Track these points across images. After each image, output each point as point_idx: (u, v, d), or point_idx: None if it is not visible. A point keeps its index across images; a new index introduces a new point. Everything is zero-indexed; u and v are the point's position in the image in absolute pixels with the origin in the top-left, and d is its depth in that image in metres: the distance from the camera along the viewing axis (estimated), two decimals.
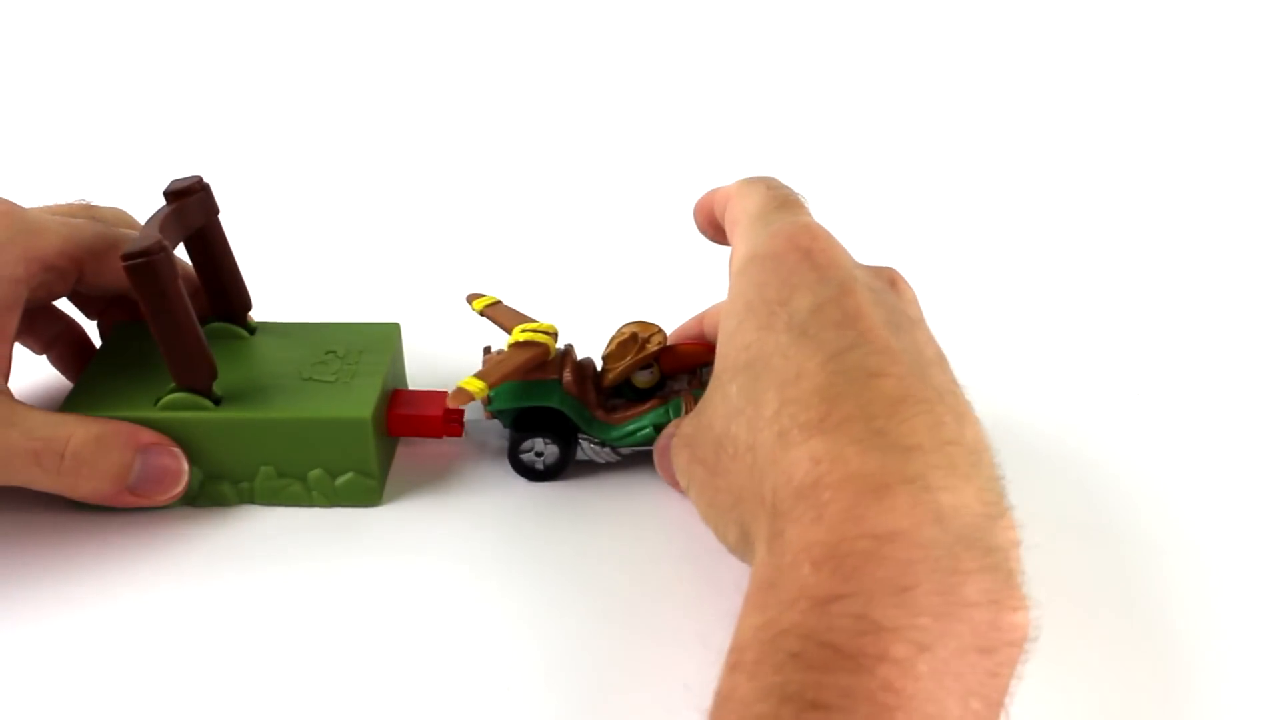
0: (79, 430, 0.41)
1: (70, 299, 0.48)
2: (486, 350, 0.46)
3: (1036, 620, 0.29)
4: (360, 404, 0.43)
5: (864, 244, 0.40)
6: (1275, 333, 0.57)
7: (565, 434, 0.45)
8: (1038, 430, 0.49)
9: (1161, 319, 0.58)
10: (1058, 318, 0.59)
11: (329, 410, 0.43)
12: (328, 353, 0.46)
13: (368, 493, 0.44)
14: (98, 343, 0.49)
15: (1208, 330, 0.57)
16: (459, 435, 0.46)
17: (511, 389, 0.45)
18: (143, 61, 0.85)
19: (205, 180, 0.45)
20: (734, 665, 0.29)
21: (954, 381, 0.34)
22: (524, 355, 0.44)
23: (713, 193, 0.43)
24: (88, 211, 0.47)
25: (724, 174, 0.44)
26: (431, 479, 0.46)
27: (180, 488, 0.43)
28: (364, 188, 0.70)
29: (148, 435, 0.42)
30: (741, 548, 0.35)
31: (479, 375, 0.43)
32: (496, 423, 0.46)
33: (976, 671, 0.28)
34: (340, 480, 0.44)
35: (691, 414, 0.39)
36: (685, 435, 0.39)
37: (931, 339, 0.36)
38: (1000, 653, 0.28)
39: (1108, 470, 0.47)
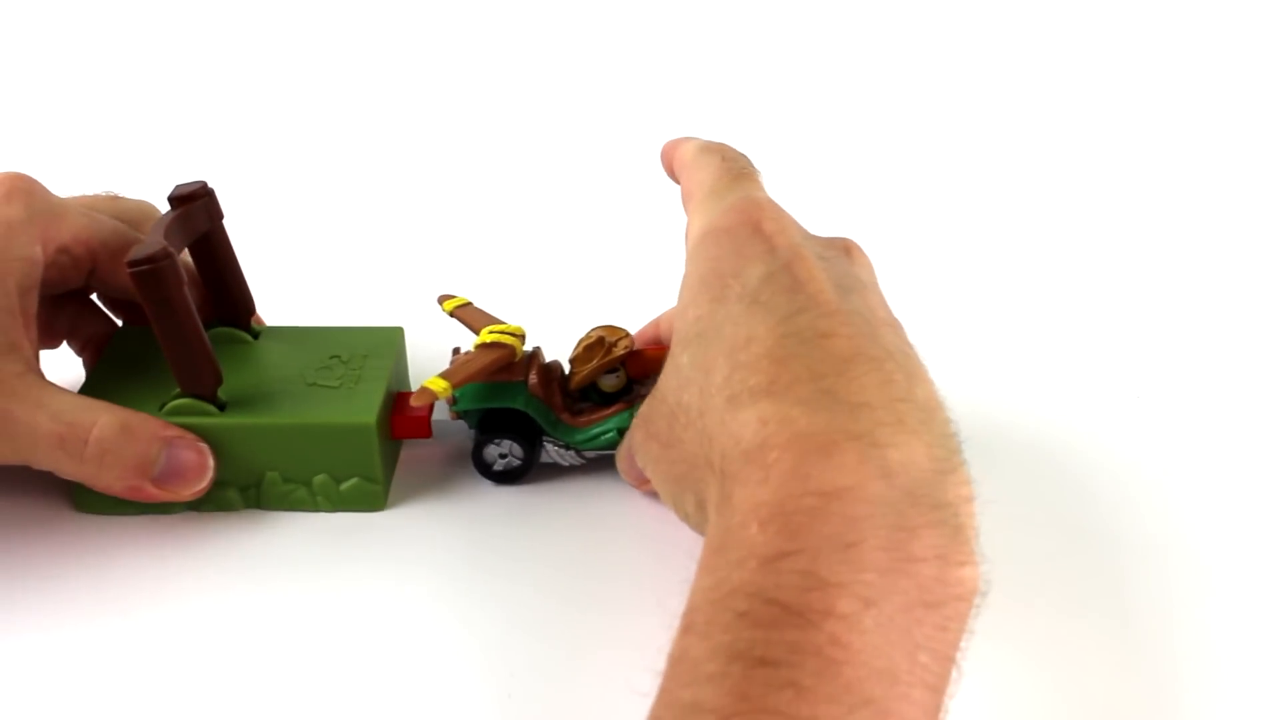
0: (105, 417, 0.41)
1: (100, 300, 0.49)
2: (455, 351, 0.46)
3: (987, 575, 0.29)
4: (364, 409, 0.43)
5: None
6: (1234, 320, 0.58)
7: (530, 436, 0.44)
8: (1005, 411, 0.50)
9: (1126, 307, 0.59)
10: (1021, 300, 0.59)
11: (333, 416, 0.43)
12: (332, 357, 0.46)
13: (372, 497, 0.44)
14: None
15: (1171, 315, 0.58)
16: (428, 436, 0.46)
17: (477, 390, 0.44)
18: (147, 66, 0.86)
19: (210, 185, 0.45)
20: (686, 628, 0.29)
21: (907, 343, 0.34)
22: (489, 356, 0.44)
23: (675, 144, 0.43)
24: (114, 203, 0.47)
25: None
26: (436, 483, 0.46)
27: (205, 483, 0.42)
28: (367, 192, 0.71)
29: (175, 429, 0.42)
30: (699, 518, 0.35)
31: (443, 375, 0.43)
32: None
33: (924, 626, 0.28)
34: (345, 485, 0.44)
35: (649, 395, 0.39)
36: (641, 415, 0.39)
37: (884, 302, 0.36)
38: (948, 607, 0.28)
39: (1071, 448, 0.48)
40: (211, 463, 0.42)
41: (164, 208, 0.44)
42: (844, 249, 0.38)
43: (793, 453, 0.29)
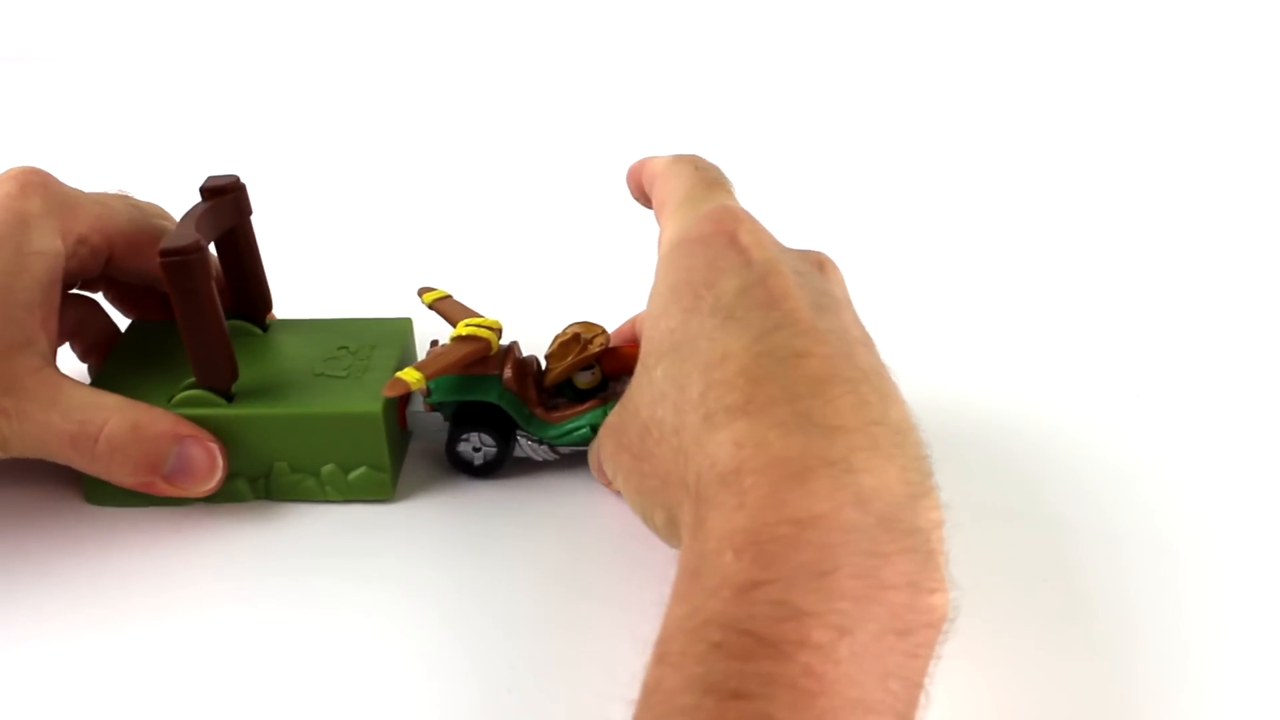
0: (115, 416, 0.41)
1: (106, 296, 0.48)
2: (434, 343, 0.46)
3: (956, 601, 0.29)
4: (371, 398, 0.43)
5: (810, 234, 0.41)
6: (1235, 318, 0.58)
7: (504, 430, 0.44)
8: (1005, 410, 0.50)
9: (1126, 305, 0.59)
10: (1020, 300, 0.59)
11: (340, 405, 0.43)
12: (340, 348, 0.46)
13: (380, 487, 0.44)
14: None
15: (1172, 314, 0.58)
16: (403, 428, 0.46)
17: (451, 382, 0.44)
18: (158, 62, 0.87)
19: (241, 180, 0.45)
20: (660, 657, 0.29)
21: (880, 362, 0.34)
22: (464, 349, 0.44)
23: (643, 163, 0.43)
24: (125, 202, 0.46)
25: None
26: (445, 473, 0.46)
27: (214, 482, 0.42)
28: (376, 184, 0.71)
29: (186, 427, 0.42)
30: (668, 531, 0.35)
31: (417, 366, 0.43)
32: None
33: (894, 653, 0.28)
34: (353, 475, 0.44)
35: (617, 405, 0.39)
36: (610, 425, 0.39)
37: (857, 320, 0.36)
38: (918, 634, 0.28)
39: (1070, 447, 0.48)
40: (221, 461, 0.42)
41: (172, 208, 0.44)
42: (818, 264, 0.38)
43: (768, 478, 0.29)
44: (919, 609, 0.28)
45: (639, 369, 0.37)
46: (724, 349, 0.33)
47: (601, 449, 0.40)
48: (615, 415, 0.39)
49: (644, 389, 0.36)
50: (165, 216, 0.47)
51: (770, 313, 0.33)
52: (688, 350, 0.34)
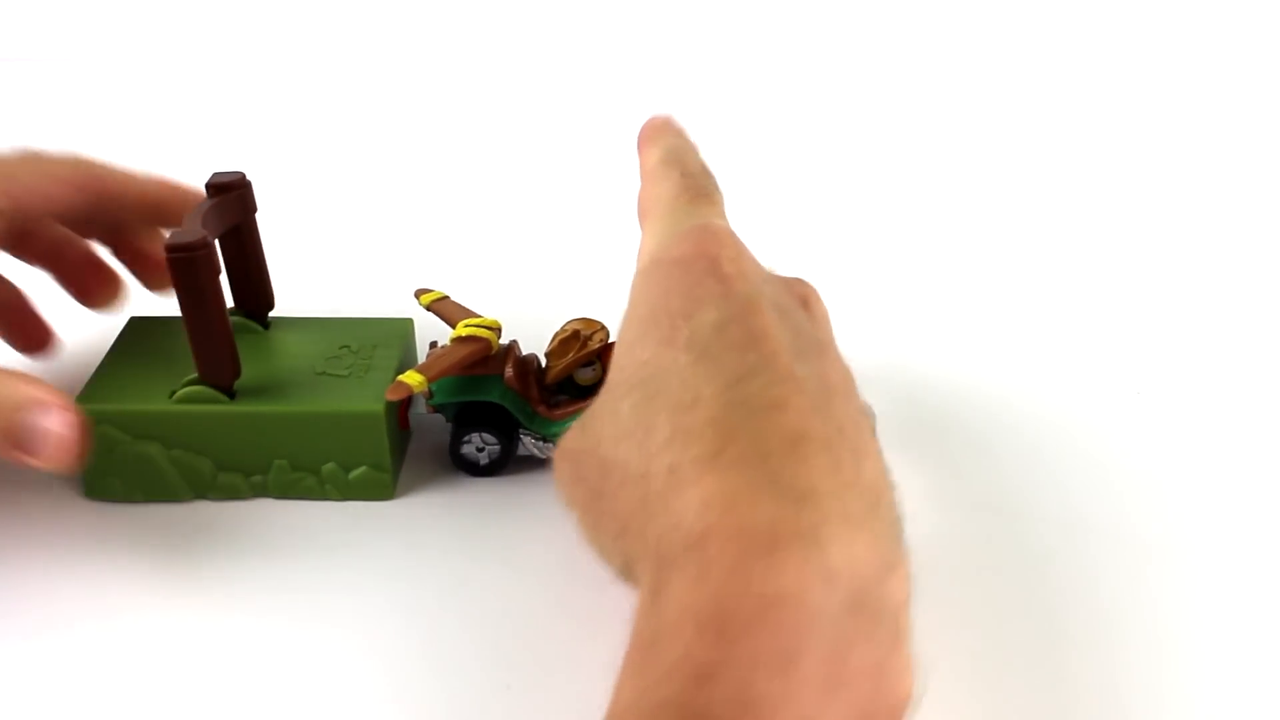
0: None
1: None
2: (433, 345, 0.46)
3: (923, 682, 0.29)
4: (373, 397, 0.43)
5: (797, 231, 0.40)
6: (1236, 316, 0.57)
7: (506, 429, 0.44)
8: (1005, 407, 0.49)
9: (1126, 303, 0.58)
10: (1021, 297, 0.59)
11: (342, 404, 0.43)
12: (341, 347, 0.46)
13: (380, 487, 0.44)
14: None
15: (1172, 312, 0.57)
16: (405, 429, 0.46)
17: (453, 383, 0.44)
18: (162, 62, 0.88)
19: (248, 177, 0.45)
20: None
21: (858, 410, 0.33)
22: (465, 350, 0.43)
23: (647, 138, 0.41)
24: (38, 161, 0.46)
25: None
26: (445, 473, 0.46)
27: (66, 453, 0.39)
28: (378, 184, 0.71)
29: (41, 393, 0.38)
30: (625, 575, 0.33)
31: (419, 369, 0.43)
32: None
33: None
34: (353, 474, 0.44)
35: (576, 425, 0.36)
36: (569, 450, 0.36)
37: (838, 362, 0.34)
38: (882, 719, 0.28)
39: (1070, 444, 0.47)
40: (71, 433, 0.38)
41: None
42: (802, 298, 0.36)
43: (734, 547, 0.28)
44: (884, 694, 0.27)
45: (605, 395, 0.35)
46: (695, 392, 0.31)
47: (556, 472, 0.37)
48: (575, 439, 0.36)
49: (608, 421, 0.34)
50: (86, 166, 0.47)
51: (747, 355, 0.31)
52: (656, 387, 0.32)
